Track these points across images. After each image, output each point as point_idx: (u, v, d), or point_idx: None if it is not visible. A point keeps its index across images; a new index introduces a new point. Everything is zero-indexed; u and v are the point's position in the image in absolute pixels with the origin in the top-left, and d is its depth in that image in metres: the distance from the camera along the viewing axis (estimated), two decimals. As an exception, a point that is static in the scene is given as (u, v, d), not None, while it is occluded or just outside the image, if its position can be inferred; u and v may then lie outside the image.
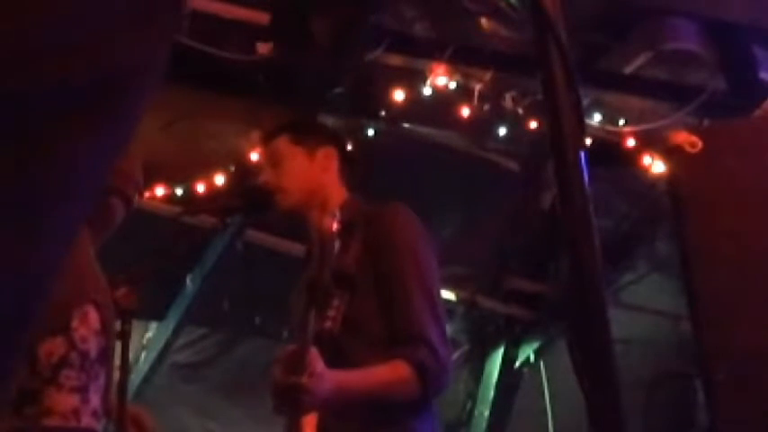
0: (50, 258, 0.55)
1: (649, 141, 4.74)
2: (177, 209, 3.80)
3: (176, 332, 5.59)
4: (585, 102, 4.51)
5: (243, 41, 4.31)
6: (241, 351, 5.83)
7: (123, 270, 2.51)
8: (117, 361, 2.36)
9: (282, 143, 2.74)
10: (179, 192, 5.05)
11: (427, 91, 4.62)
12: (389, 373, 2.35)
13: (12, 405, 1.95)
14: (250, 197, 2.80)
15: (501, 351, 6.17)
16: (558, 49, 1.25)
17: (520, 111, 4.70)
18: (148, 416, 2.64)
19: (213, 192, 4.99)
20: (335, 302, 2.35)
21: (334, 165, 2.72)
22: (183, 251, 5.07)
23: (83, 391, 2.04)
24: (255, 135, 4.52)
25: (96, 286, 2.18)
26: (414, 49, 4.57)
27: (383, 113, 4.84)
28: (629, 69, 4.63)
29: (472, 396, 6.10)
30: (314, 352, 2.17)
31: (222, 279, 5.41)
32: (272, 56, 4.27)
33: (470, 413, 6.05)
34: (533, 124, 4.72)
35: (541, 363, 6.01)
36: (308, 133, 2.80)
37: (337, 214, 2.18)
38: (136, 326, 2.61)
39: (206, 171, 5.05)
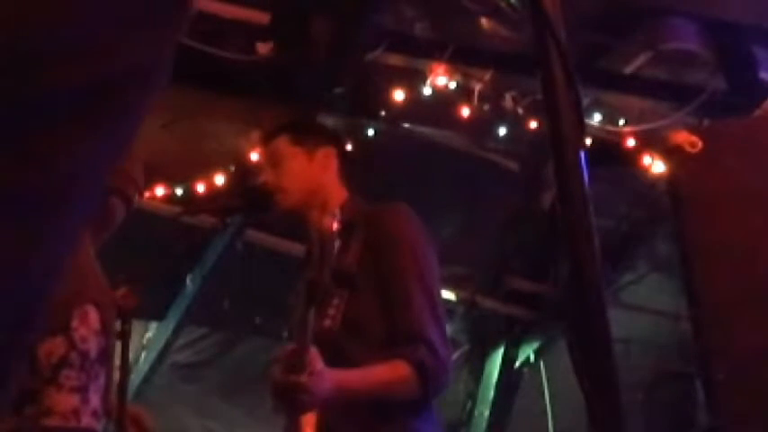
0: (52, 261, 0.55)
1: (649, 141, 4.74)
2: (177, 209, 3.80)
3: (176, 332, 5.59)
4: (585, 102, 4.51)
5: (243, 41, 4.31)
6: (241, 351, 5.83)
7: (123, 270, 2.51)
8: (117, 361, 2.36)
9: (282, 143, 2.74)
10: (179, 192, 5.05)
11: (427, 91, 4.62)
12: (389, 372, 2.35)
13: (12, 405, 1.95)
14: (250, 197, 2.80)
15: (501, 351, 6.17)
16: (557, 49, 1.25)
17: (520, 111, 4.70)
18: (148, 416, 2.64)
19: (213, 192, 4.99)
20: (335, 301, 2.35)
21: (333, 164, 2.73)
22: (182, 251, 5.09)
23: (83, 391, 2.04)
24: (255, 135, 4.52)
25: (96, 286, 2.18)
26: (414, 49, 4.57)
27: (383, 113, 4.84)
28: (629, 69, 4.64)
29: (472, 396, 6.10)
30: (313, 351, 2.17)
31: (222, 279, 5.41)
32: (272, 56, 4.27)
33: (470, 413, 6.05)
34: (533, 124, 4.72)
35: (541, 363, 6.01)
36: (307, 133, 2.80)
37: (337, 214, 2.18)
38: (136, 326, 2.61)
39: (206, 171, 5.05)
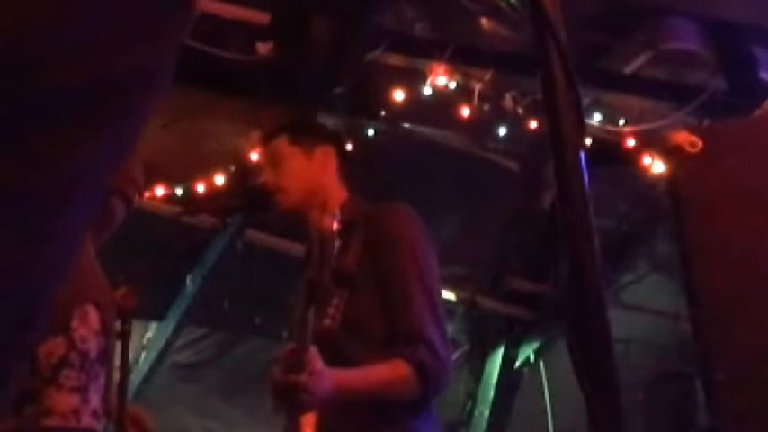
0: (53, 262, 0.55)
1: (649, 141, 4.74)
2: (177, 209, 3.80)
3: (176, 332, 5.59)
4: (585, 102, 4.51)
5: (243, 41, 4.31)
6: (241, 351, 5.84)
7: (123, 270, 2.51)
8: (117, 361, 2.36)
9: (281, 143, 2.74)
10: (179, 192, 5.05)
11: (427, 91, 4.62)
12: (389, 372, 2.35)
13: (12, 405, 1.95)
14: (250, 197, 2.80)
15: (501, 351, 6.17)
16: (557, 49, 1.25)
17: (520, 111, 4.70)
18: (148, 416, 2.64)
19: (213, 192, 4.99)
20: (335, 301, 2.35)
21: (332, 163, 2.72)
22: (182, 251, 5.09)
23: (83, 390, 2.04)
24: (255, 135, 4.52)
25: (97, 286, 2.18)
26: (414, 49, 4.57)
27: (383, 113, 4.84)
28: (629, 69, 4.64)
29: (472, 396, 6.10)
30: (313, 351, 2.17)
31: (222, 279, 5.41)
32: (272, 56, 4.27)
33: (470, 413, 6.05)
34: (533, 124, 4.72)
35: (541, 363, 6.01)
36: (305, 133, 2.80)
37: (337, 214, 2.18)
38: (136, 326, 2.62)
39: (206, 171, 5.05)
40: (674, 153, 2.83)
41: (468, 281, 5.84)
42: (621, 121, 4.86)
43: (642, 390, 5.31)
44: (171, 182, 5.02)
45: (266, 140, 2.82)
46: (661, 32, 4.40)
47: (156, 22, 0.55)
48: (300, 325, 2.13)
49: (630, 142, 4.82)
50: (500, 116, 4.84)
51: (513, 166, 5.52)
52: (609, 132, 4.81)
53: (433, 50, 4.54)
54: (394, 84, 4.65)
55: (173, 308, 5.54)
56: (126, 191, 2.38)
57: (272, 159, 2.75)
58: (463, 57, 4.58)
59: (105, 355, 2.14)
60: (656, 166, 4.74)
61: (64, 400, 2.01)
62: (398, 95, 4.65)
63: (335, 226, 2.12)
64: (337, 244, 2.17)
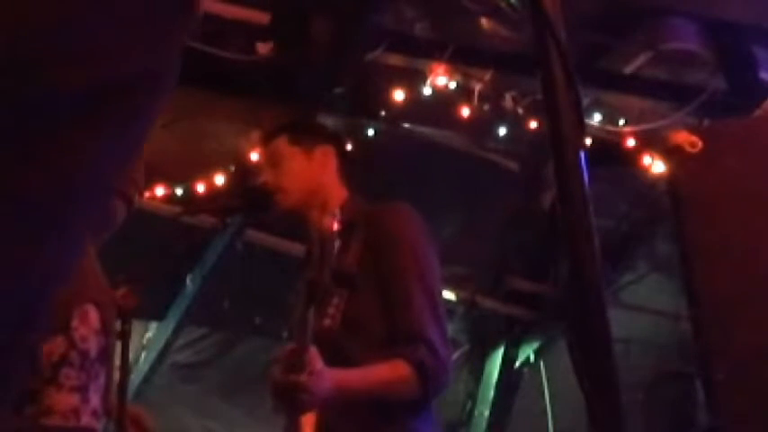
0: (55, 262, 0.55)
1: (649, 141, 4.74)
2: (177, 209, 3.80)
3: (176, 332, 5.59)
4: (585, 102, 4.51)
5: (243, 41, 4.31)
6: (241, 351, 5.83)
7: (123, 270, 2.51)
8: (117, 361, 2.36)
9: (281, 144, 2.74)
10: (179, 192, 5.05)
11: (427, 91, 4.62)
12: (389, 372, 2.35)
13: (12, 405, 1.95)
14: (250, 197, 2.80)
15: (501, 351, 6.17)
16: (557, 49, 1.25)
17: (520, 111, 4.70)
18: (148, 416, 2.64)
19: (213, 192, 4.99)
20: (335, 301, 2.35)
21: (332, 163, 2.73)
22: (182, 251, 5.09)
23: (83, 390, 2.04)
24: (255, 135, 4.52)
25: (97, 286, 2.18)
26: (414, 49, 4.57)
27: (383, 113, 4.84)
28: (629, 69, 4.64)
29: (472, 396, 6.10)
30: (313, 351, 2.17)
31: (222, 279, 5.41)
32: (272, 56, 4.27)
33: (470, 413, 6.05)
34: (533, 124, 4.72)
35: (541, 363, 6.01)
36: (305, 133, 2.80)
37: (337, 214, 2.18)
38: (136, 326, 2.62)
39: (206, 171, 5.05)
40: (674, 153, 2.83)
41: (468, 281, 5.84)
42: (621, 121, 4.86)
43: (642, 390, 5.31)
44: (171, 182, 5.02)
45: (266, 141, 2.82)
46: (661, 32, 4.40)
47: (158, 24, 0.55)
48: (300, 325, 2.13)
49: (630, 142, 4.82)
50: (500, 116, 4.84)
51: (513, 166, 5.52)
52: (609, 132, 4.81)
53: (433, 50, 4.53)
54: (394, 84, 4.65)
55: (173, 308, 5.53)
56: (127, 191, 2.37)
57: (271, 159, 2.75)
58: (463, 57, 4.58)
59: (105, 355, 2.14)
60: (656, 166, 4.74)
61: (64, 400, 2.00)
62: (398, 95, 4.65)
63: (336, 226, 2.12)
64: (337, 244, 2.17)
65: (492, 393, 6.04)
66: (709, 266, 2.72)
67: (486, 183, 5.54)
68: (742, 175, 2.76)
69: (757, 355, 2.58)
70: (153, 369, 5.57)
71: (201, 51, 4.09)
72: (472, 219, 5.72)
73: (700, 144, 2.78)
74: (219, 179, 5.03)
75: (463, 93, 4.67)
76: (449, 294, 5.55)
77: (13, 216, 0.51)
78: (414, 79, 4.63)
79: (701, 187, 2.81)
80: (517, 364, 6.16)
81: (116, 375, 2.37)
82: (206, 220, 3.63)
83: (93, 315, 2.10)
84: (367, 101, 4.81)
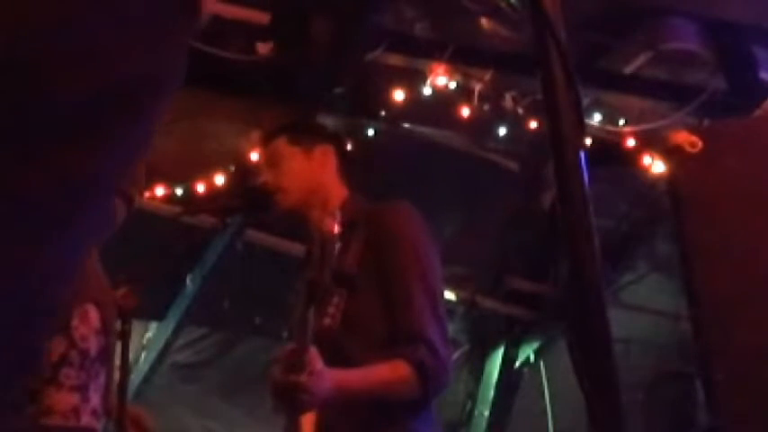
0: (56, 263, 0.55)
1: (649, 141, 4.74)
2: (177, 209, 3.80)
3: (176, 332, 5.59)
4: (585, 102, 4.51)
5: (243, 41, 4.31)
6: (241, 351, 5.83)
7: (123, 270, 2.51)
8: (117, 361, 2.36)
9: (281, 144, 2.74)
10: (179, 192, 5.05)
11: (427, 91, 4.62)
12: (389, 372, 2.35)
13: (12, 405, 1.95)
14: (250, 197, 2.80)
15: (501, 351, 6.17)
16: (557, 49, 1.25)
17: (520, 111, 4.70)
18: (148, 416, 2.64)
19: (213, 192, 4.99)
20: (335, 300, 2.35)
21: (332, 162, 2.73)
22: (182, 251, 5.09)
23: (83, 389, 2.04)
24: (255, 135, 4.52)
25: (97, 285, 2.18)
26: (414, 49, 4.57)
27: (383, 113, 4.84)
28: (629, 69, 4.64)
29: (472, 396, 6.10)
30: (313, 351, 2.17)
31: (222, 279, 5.41)
32: (272, 56, 4.27)
33: (470, 413, 6.05)
34: (533, 124, 4.72)
35: (541, 363, 6.01)
36: (305, 133, 2.80)
37: (338, 215, 2.18)
38: (136, 326, 2.62)
39: (206, 171, 5.05)
40: (674, 153, 2.83)
41: (468, 281, 5.84)
42: (621, 121, 4.86)
43: (642, 390, 5.31)
44: (171, 182, 5.02)
45: (266, 141, 2.82)
46: (661, 32, 4.40)
47: (159, 25, 0.55)
48: (300, 325, 2.13)
49: (630, 142, 4.82)
50: (500, 116, 4.84)
51: (513, 166, 5.52)
52: (609, 132, 4.82)
53: (433, 50, 4.54)
54: (394, 84, 4.65)
55: (173, 308, 5.53)
56: (127, 190, 2.37)
57: (271, 160, 2.75)
58: (463, 57, 4.58)
59: (105, 354, 2.14)
60: (656, 166, 4.74)
61: (64, 399, 2.01)
62: (398, 95, 4.65)
63: (336, 229, 2.12)
64: (338, 246, 2.17)
65: (492, 393, 6.04)
66: (709, 266, 2.72)
67: (486, 183, 5.54)
68: (742, 175, 2.76)
69: (757, 355, 2.58)
70: (153, 369, 5.57)
71: (201, 51, 4.09)
72: (472, 219, 5.72)
73: (700, 144, 2.78)
74: (219, 179, 5.03)
75: (463, 93, 4.67)
76: (449, 294, 5.55)
77: (13, 216, 0.51)
78: (414, 79, 4.63)
79: (700, 187, 2.81)
80: (517, 364, 6.16)
81: (116, 375, 2.37)
82: (206, 220, 3.63)
83: (94, 314, 2.10)
84: (367, 101, 4.81)
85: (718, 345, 2.64)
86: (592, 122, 4.67)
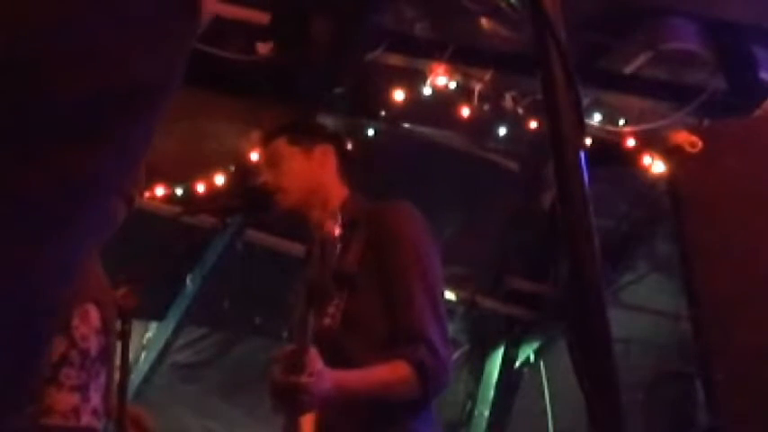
0: (55, 263, 0.55)
1: (649, 141, 4.74)
2: (177, 209, 3.80)
3: (176, 332, 5.59)
4: (585, 102, 4.51)
5: (243, 41, 4.31)
6: (241, 351, 5.83)
7: (123, 270, 2.51)
8: (117, 361, 2.36)
9: (280, 144, 2.74)
10: (179, 192, 5.05)
11: (427, 91, 4.62)
12: (389, 372, 2.35)
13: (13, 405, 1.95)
14: (250, 197, 2.80)
15: (501, 351, 6.17)
16: (557, 49, 1.25)
17: (520, 111, 4.70)
18: (148, 416, 2.64)
19: (213, 192, 4.99)
20: (335, 300, 2.35)
21: (331, 162, 2.73)
22: (182, 251, 5.09)
23: (83, 389, 2.04)
24: (255, 135, 4.52)
25: (97, 285, 2.18)
26: (414, 49, 4.57)
27: (383, 113, 4.84)
28: (629, 69, 4.64)
29: (472, 396, 6.10)
30: (313, 351, 2.17)
31: (222, 279, 5.41)
32: (272, 56, 4.28)
33: (470, 413, 6.05)
34: (533, 124, 4.72)
35: (541, 363, 6.01)
36: (304, 133, 2.80)
37: (338, 217, 2.18)
38: (136, 326, 2.62)
39: (206, 171, 5.05)
40: (674, 153, 2.83)
41: (468, 281, 5.84)
42: (621, 121, 4.86)
43: (642, 390, 5.31)
44: (171, 182, 5.02)
45: (266, 141, 2.82)
46: (661, 32, 4.40)
47: (159, 25, 0.55)
48: (300, 325, 2.13)
49: (630, 142, 4.82)
50: (500, 116, 4.84)
51: (513, 166, 5.52)
52: (609, 132, 4.82)
53: (433, 50, 4.54)
54: (394, 84, 4.65)
55: (173, 308, 5.53)
56: (127, 190, 2.37)
57: (271, 160, 2.75)
58: (463, 57, 4.59)
59: (106, 354, 2.14)
60: (656, 166, 4.74)
61: (64, 399, 2.00)
62: (398, 95, 4.65)
63: (337, 230, 2.12)
64: (339, 247, 2.17)
65: (492, 393, 6.04)
66: (709, 266, 2.72)
67: (486, 183, 5.54)
68: (742, 175, 2.76)
69: (757, 355, 2.58)
70: (153, 369, 5.57)
71: (201, 51, 4.09)
72: (472, 219, 5.72)
73: (700, 144, 2.78)
74: (219, 179, 5.03)
75: (463, 93, 4.67)
76: (449, 294, 5.55)
77: (13, 216, 0.51)
78: (414, 79, 4.64)
79: (701, 187, 2.81)
80: (517, 364, 6.16)
81: (116, 375, 2.37)
82: (206, 220, 3.63)
83: (94, 314, 2.10)
84: (367, 101, 4.81)
85: (718, 345, 2.64)
86: (592, 122, 4.67)
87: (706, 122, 4.48)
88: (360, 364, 2.35)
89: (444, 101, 4.66)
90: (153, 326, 5.60)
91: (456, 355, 5.51)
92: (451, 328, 5.06)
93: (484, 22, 4.49)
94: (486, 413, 5.99)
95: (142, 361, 5.53)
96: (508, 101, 4.70)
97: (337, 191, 2.69)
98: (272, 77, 4.36)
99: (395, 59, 4.57)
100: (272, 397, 2.21)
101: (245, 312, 5.43)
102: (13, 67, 0.49)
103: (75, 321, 2.06)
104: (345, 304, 2.34)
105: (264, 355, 4.94)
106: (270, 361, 2.33)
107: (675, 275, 4.36)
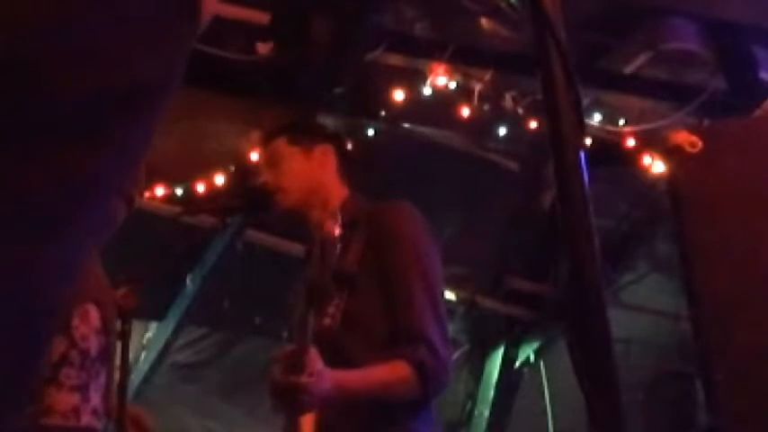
0: (55, 263, 0.55)
1: (649, 141, 4.74)
2: (177, 209, 3.80)
3: (176, 332, 5.59)
4: (585, 102, 4.51)
5: (243, 41, 4.31)
6: (241, 351, 5.83)
7: (123, 270, 2.51)
8: (117, 361, 2.36)
9: (280, 144, 2.74)
10: (179, 192, 5.05)
11: (427, 91, 4.62)
12: (389, 372, 2.35)
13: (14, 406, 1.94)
14: (250, 197, 2.80)
15: (501, 351, 6.17)
16: (557, 49, 1.25)
17: (520, 111, 4.70)
18: (148, 416, 2.64)
19: (213, 192, 4.99)
20: (335, 300, 2.35)
21: (331, 162, 2.73)
22: (182, 251, 5.09)
23: (83, 389, 2.04)
24: (255, 135, 4.52)
25: (97, 285, 2.18)
26: (414, 49, 4.57)
27: (383, 113, 4.84)
28: (629, 69, 4.64)
29: (472, 396, 6.10)
30: (313, 351, 2.17)
31: (222, 279, 5.41)
32: (272, 56, 4.28)
33: (470, 413, 6.05)
34: (533, 124, 4.72)
35: (541, 363, 6.01)
36: (304, 133, 2.80)
37: (339, 217, 2.18)
38: (136, 326, 2.62)
39: (206, 171, 5.05)
40: (674, 153, 2.83)
41: (468, 281, 5.84)
42: (621, 121, 4.86)
43: (642, 390, 5.31)
44: (171, 182, 5.02)
45: (266, 141, 2.82)
46: (661, 32, 4.40)
47: (159, 26, 0.55)
48: (300, 326, 2.13)
49: (630, 142, 4.82)
50: (500, 116, 4.84)
51: (513, 166, 5.52)
52: (609, 132, 4.82)
53: (433, 50, 4.54)
54: (394, 84, 4.65)
55: (173, 308, 5.53)
56: (127, 190, 2.37)
57: (271, 160, 2.75)
58: (463, 57, 4.59)
59: (106, 354, 2.14)
60: (656, 166, 4.74)
61: (64, 399, 2.00)
62: (398, 95, 4.65)
63: (337, 231, 2.12)
64: (338, 247, 2.17)
65: (492, 393, 6.04)
66: (709, 266, 2.72)
67: (486, 183, 5.54)
68: (742, 175, 2.76)
69: (757, 355, 2.58)
70: (153, 369, 5.57)
71: (201, 51, 4.09)
72: (472, 219, 5.72)
73: (700, 144, 2.78)
74: (219, 179, 5.03)
75: (463, 93, 4.67)
76: (449, 294, 5.55)
77: (13, 216, 0.51)
78: (414, 79, 4.64)
79: (701, 187, 2.81)
80: (517, 364, 6.16)
81: (116, 375, 2.37)
82: (206, 220, 3.63)
83: (94, 314, 2.10)
84: (367, 101, 4.81)
85: (718, 345, 2.64)
86: (592, 122, 4.67)
87: (706, 122, 4.48)
88: (360, 364, 2.35)
89: (444, 101, 4.66)
90: (153, 326, 5.60)
91: (456, 355, 5.51)
92: (451, 328, 5.06)
93: (484, 22, 4.49)
94: (486, 413, 5.99)
95: (142, 361, 5.53)
96: (508, 101, 4.70)
97: (337, 191, 2.69)
98: (272, 77, 4.37)
99: (395, 59, 4.57)
100: (272, 397, 2.21)
101: (245, 312, 5.43)
102: (13, 67, 0.49)
103: (76, 321, 2.06)
104: (345, 304, 2.34)
105: (264, 355, 4.94)
106: (270, 361, 2.33)
107: (675, 275, 4.36)
